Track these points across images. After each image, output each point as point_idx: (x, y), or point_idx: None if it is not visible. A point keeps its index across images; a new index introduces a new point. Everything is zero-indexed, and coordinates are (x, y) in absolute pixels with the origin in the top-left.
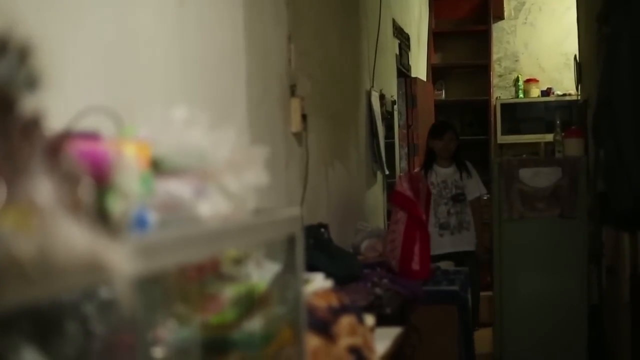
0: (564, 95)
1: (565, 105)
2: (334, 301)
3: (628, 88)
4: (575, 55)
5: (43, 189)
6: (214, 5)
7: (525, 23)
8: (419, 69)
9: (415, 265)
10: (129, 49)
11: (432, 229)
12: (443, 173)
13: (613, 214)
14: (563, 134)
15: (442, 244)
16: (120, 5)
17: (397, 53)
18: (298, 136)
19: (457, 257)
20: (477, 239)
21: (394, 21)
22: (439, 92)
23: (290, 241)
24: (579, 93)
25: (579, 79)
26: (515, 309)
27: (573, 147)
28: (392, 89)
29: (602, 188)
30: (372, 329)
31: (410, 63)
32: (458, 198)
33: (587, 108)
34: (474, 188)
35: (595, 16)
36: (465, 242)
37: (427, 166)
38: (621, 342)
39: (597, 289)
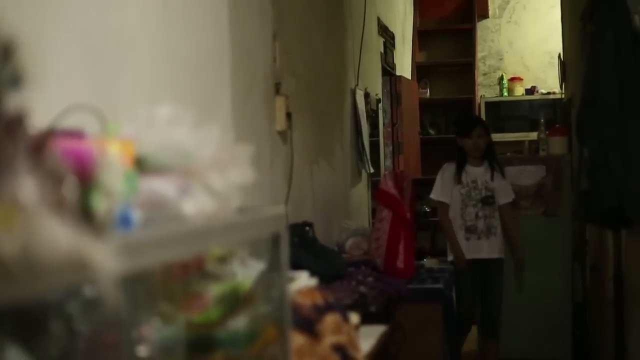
0: (548, 93)
1: (549, 104)
2: (319, 299)
3: (612, 87)
4: (559, 54)
5: (27, 187)
6: (199, 3)
7: (509, 22)
8: (404, 67)
9: (400, 264)
10: (113, 47)
11: (458, 232)
12: (473, 172)
13: (597, 212)
14: (547, 132)
15: (468, 248)
16: (105, 3)
17: (382, 51)
18: (283, 134)
19: (483, 264)
20: (513, 245)
21: (378, 19)
22: (424, 90)
23: (275, 239)
24: (563, 91)
25: (563, 78)
26: None
27: (557, 145)
28: (376, 87)
29: (586, 186)
30: (356, 327)
31: (395, 61)
32: (487, 201)
33: (571, 106)
34: (505, 192)
35: (579, 15)
36: (493, 248)
37: (460, 166)
38: (605, 340)
39: (581, 287)
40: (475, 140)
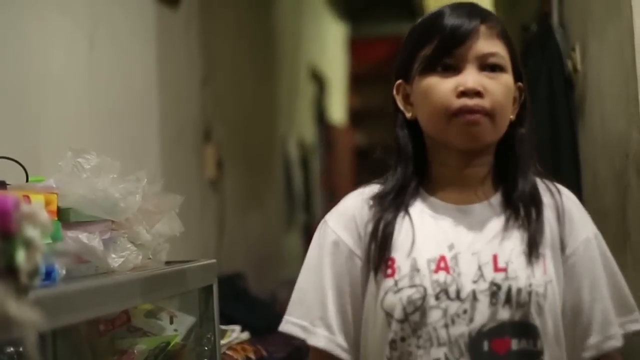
0: None
1: None
2: (251, 353)
3: (546, 130)
4: None
5: None
6: (126, 48)
7: None
8: (338, 113)
9: None
10: (37, 93)
11: None
12: (447, 226)
13: None
14: None
15: None
16: (29, 47)
17: (315, 97)
18: (213, 183)
19: None
20: None
21: (310, 65)
22: (358, 136)
23: (206, 292)
24: None
25: None
26: None
27: None
28: (309, 134)
29: None
30: None
31: (328, 107)
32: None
33: None
34: (612, 299)
35: None
36: None
37: (398, 195)
38: None
39: None
40: (472, 78)
